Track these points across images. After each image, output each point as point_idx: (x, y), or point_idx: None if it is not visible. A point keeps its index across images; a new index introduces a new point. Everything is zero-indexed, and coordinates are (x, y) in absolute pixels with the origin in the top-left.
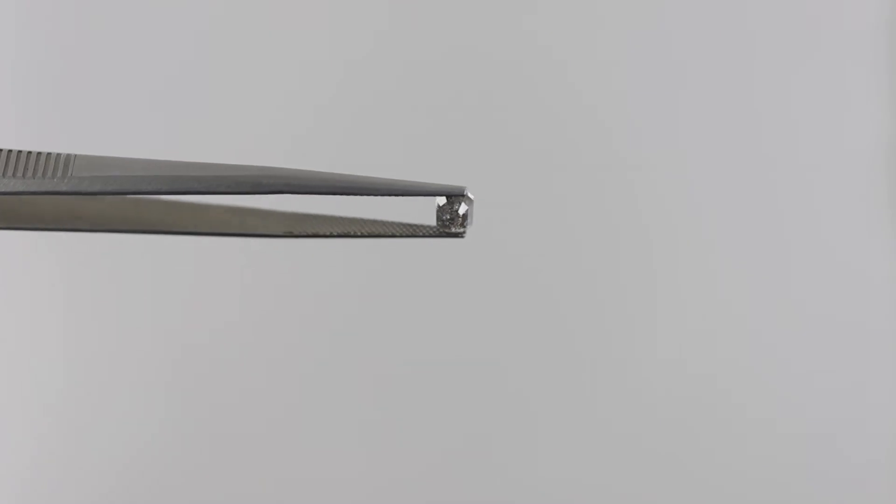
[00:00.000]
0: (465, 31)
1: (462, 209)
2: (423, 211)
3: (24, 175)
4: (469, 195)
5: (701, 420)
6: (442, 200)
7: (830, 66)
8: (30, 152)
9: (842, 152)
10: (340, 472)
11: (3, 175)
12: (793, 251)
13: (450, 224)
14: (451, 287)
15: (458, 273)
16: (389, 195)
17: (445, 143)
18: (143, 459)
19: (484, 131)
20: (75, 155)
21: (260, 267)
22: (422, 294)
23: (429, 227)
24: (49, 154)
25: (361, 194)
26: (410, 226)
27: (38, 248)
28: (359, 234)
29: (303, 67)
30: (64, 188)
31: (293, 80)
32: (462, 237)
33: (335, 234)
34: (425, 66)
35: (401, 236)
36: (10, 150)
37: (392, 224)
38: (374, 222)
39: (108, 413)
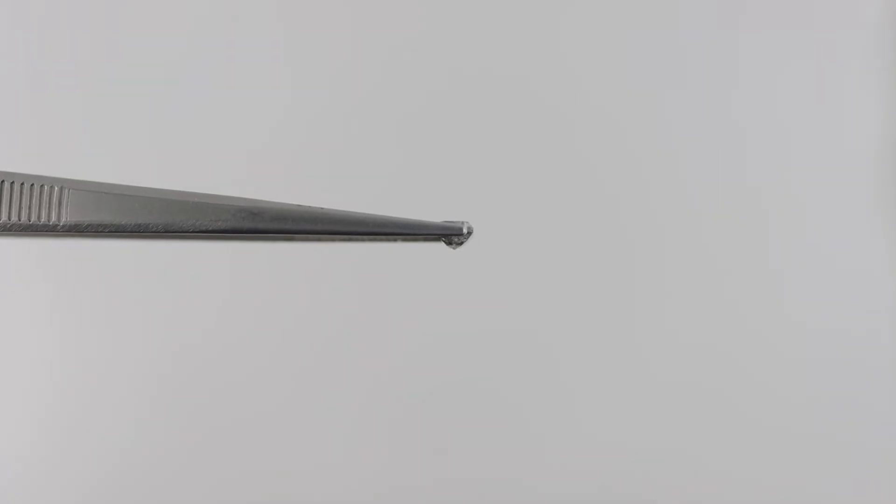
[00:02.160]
0: (466, 32)
1: (462, 239)
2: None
3: (19, 217)
4: (467, 231)
5: (695, 428)
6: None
7: (830, 66)
8: (22, 184)
9: (842, 153)
10: (335, 473)
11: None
12: (793, 252)
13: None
14: (449, 288)
15: (456, 273)
16: (389, 234)
17: (447, 146)
18: (133, 461)
19: (484, 133)
20: (69, 188)
21: (255, 269)
22: (421, 290)
23: (431, 229)
24: (42, 186)
25: (361, 234)
26: (412, 233)
27: (28, 252)
28: (358, 237)
29: (303, 73)
30: (60, 229)
31: (291, 89)
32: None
33: (335, 237)
34: (426, 67)
35: (403, 240)
36: (2, 181)
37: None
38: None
39: (96, 415)
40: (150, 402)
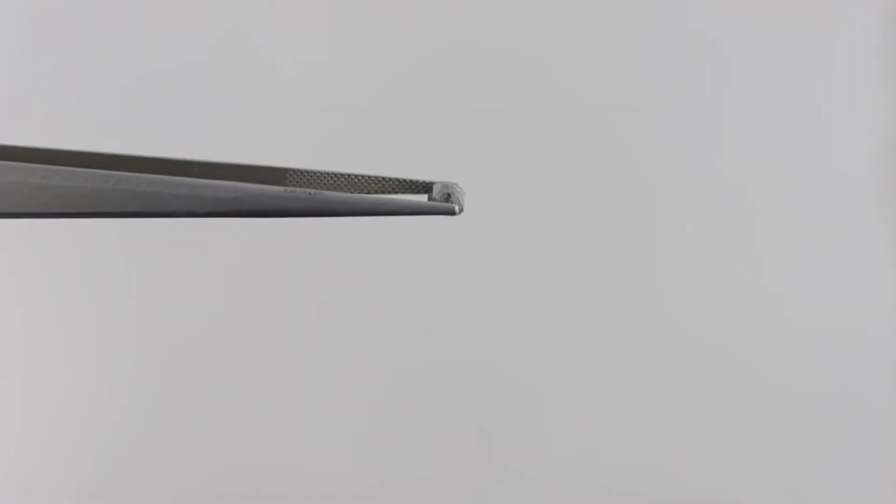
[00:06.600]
0: (466, 30)
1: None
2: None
3: None
4: (458, 202)
5: (694, 423)
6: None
7: (830, 66)
8: None
9: (841, 154)
10: (334, 463)
11: None
12: (793, 252)
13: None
14: (444, 276)
15: (452, 256)
16: (383, 215)
17: (445, 141)
18: (111, 459)
19: (480, 127)
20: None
21: (248, 255)
22: (415, 277)
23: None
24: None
25: (354, 215)
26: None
27: (21, 237)
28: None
29: (301, 68)
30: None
31: (291, 81)
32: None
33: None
34: (425, 64)
35: (394, 214)
36: None
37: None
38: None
39: (81, 412)
40: (130, 401)
